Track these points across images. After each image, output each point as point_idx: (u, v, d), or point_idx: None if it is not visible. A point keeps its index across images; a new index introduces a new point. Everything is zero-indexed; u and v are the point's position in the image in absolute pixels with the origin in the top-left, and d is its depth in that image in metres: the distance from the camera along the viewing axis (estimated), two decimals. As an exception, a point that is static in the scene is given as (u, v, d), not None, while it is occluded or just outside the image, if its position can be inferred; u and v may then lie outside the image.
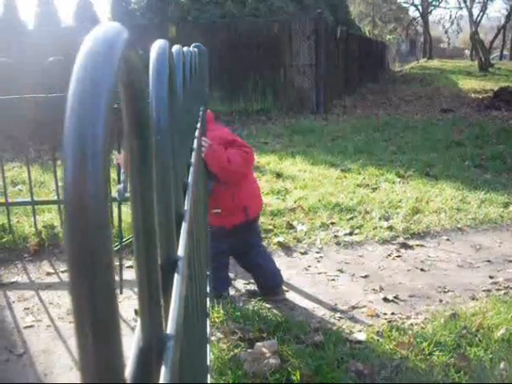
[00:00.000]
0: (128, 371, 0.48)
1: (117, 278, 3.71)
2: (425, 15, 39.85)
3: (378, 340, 2.66)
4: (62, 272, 3.82)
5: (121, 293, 3.50)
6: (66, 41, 10.51)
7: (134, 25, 11.25)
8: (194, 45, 2.57)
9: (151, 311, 0.49)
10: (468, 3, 33.66)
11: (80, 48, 0.29)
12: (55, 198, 5.07)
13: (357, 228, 4.41)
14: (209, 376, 1.81)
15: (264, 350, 2.37)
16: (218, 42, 10.30)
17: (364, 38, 23.00)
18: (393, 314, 3.05)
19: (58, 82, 4.15)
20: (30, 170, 4.29)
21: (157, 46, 0.69)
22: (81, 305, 0.29)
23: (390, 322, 2.92)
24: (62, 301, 3.39)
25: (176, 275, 0.66)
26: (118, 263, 3.47)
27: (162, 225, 0.68)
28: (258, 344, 2.42)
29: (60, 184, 4.76)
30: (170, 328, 0.52)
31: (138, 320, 0.51)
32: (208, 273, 2.41)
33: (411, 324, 2.88)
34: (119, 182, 3.39)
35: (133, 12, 11.52)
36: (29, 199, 4.37)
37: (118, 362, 0.32)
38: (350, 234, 4.30)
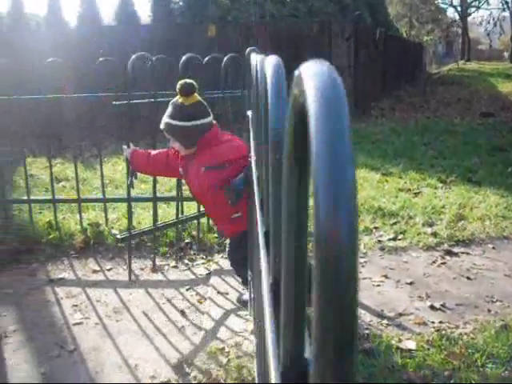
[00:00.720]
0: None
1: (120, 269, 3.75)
2: (464, 17, 39.24)
3: (428, 349, 2.63)
4: (108, 270, 3.88)
5: (129, 279, 3.61)
6: (107, 40, 10.66)
7: (174, 24, 11.35)
8: (250, 48, 2.58)
9: (294, 334, 0.50)
10: (510, 4, 33.01)
11: (309, 92, 0.29)
12: (98, 195, 5.16)
13: (400, 233, 4.37)
14: None
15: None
16: (257, 43, 10.29)
17: (402, 40, 22.76)
18: (441, 322, 3.01)
19: (106, 82, 4.23)
20: (77, 167, 4.35)
21: (272, 62, 0.70)
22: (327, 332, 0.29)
23: (438, 330, 2.88)
24: (109, 299, 3.44)
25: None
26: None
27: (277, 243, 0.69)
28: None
29: (105, 181, 4.83)
30: (307, 351, 0.52)
31: (281, 342, 0.51)
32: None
33: (460, 334, 2.83)
34: (131, 181, 3.47)
35: (173, 11, 11.61)
36: (75, 197, 4.46)
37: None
38: (394, 239, 4.27)
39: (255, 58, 1.86)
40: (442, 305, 3.22)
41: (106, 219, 4.40)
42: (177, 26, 11.25)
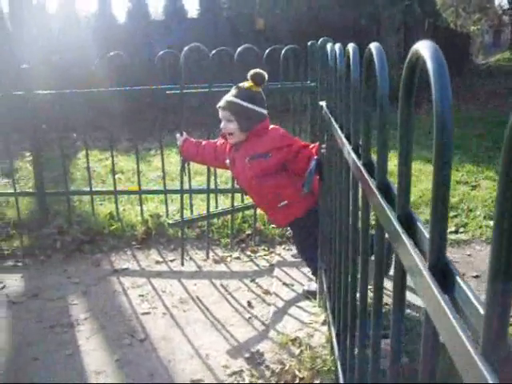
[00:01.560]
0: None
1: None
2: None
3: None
4: (171, 261, 3.93)
5: (182, 264, 3.77)
6: (155, 35, 10.79)
7: (221, 18, 11.38)
8: (324, 38, 2.56)
9: (498, 329, 0.49)
10: None
11: None
12: (155, 187, 5.25)
13: (461, 226, 4.29)
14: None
15: (389, 347, 2.34)
16: (306, 35, 10.24)
17: (449, 30, 22.32)
18: (512, 317, 2.94)
19: (164, 75, 4.28)
20: (138, 161, 4.43)
21: (435, 52, 0.69)
22: None
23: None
24: (174, 289, 3.48)
25: (458, 279, 0.65)
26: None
27: (435, 227, 0.68)
28: (386, 341, 2.39)
29: (161, 174, 4.88)
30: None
31: (482, 334, 0.50)
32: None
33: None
34: (182, 167, 3.56)
35: (221, 4, 11.63)
36: (135, 188, 4.54)
37: None
38: (456, 232, 4.20)
39: (338, 48, 1.85)
40: None
41: (167, 210, 4.45)
42: (224, 19, 11.28)
